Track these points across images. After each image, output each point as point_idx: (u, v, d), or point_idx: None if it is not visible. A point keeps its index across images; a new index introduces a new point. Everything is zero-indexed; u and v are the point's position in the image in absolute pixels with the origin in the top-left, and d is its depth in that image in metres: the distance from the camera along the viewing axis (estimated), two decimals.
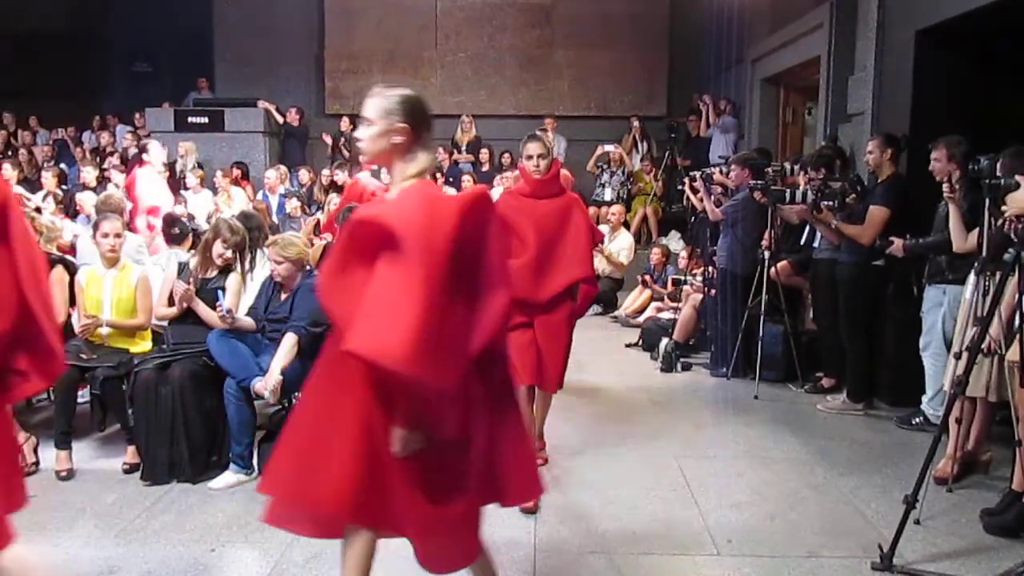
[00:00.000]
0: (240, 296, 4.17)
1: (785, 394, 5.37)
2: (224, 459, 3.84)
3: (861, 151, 5.44)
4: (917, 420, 4.48)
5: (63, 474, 3.82)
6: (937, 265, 4.28)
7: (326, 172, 9.22)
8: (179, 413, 3.79)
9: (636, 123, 10.46)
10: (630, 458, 4.14)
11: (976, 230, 3.67)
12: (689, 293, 6.53)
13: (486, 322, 2.02)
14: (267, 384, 3.68)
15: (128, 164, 9.50)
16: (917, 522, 3.27)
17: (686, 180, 7.29)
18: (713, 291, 5.98)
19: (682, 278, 6.95)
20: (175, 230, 5.30)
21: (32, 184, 8.42)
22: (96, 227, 4.32)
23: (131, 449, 3.92)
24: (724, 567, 3.04)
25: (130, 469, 3.88)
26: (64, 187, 8.33)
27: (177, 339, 4.05)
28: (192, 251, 4.78)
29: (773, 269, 5.38)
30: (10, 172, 7.66)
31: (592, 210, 8.56)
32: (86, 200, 7.12)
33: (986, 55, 4.80)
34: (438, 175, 9.27)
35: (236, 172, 9.35)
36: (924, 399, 4.44)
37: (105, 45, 13.22)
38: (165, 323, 4.23)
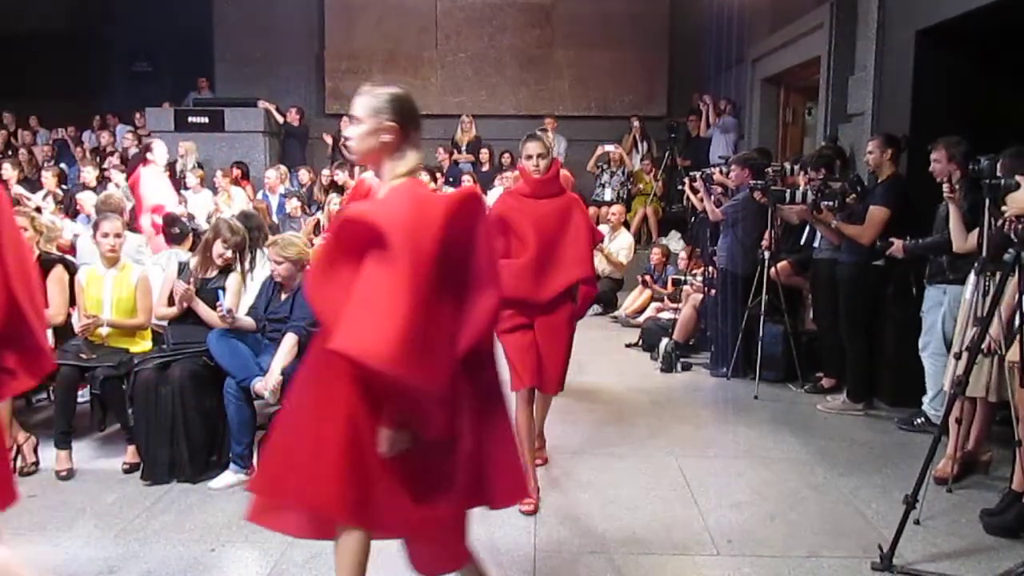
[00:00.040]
0: (240, 296, 4.17)
1: (785, 394, 5.37)
2: (224, 459, 3.84)
3: (861, 151, 5.44)
4: (919, 421, 4.47)
5: (63, 474, 3.82)
6: (938, 265, 4.28)
7: (326, 172, 9.22)
8: (179, 413, 3.79)
9: (636, 123, 10.46)
10: (630, 458, 4.14)
11: (976, 230, 3.66)
12: (689, 293, 6.53)
13: (474, 322, 2.01)
14: (267, 384, 3.68)
15: (128, 164, 9.50)
16: (917, 522, 3.27)
17: (686, 180, 7.29)
18: (713, 291, 5.98)
19: (682, 278, 6.95)
20: (175, 230, 5.30)
21: (32, 184, 8.43)
22: (96, 227, 4.32)
23: (131, 449, 3.92)
24: (724, 567, 3.04)
25: (130, 469, 3.88)
26: (64, 187, 8.35)
27: (177, 339, 4.05)
28: (192, 251, 4.78)
29: (773, 269, 5.38)
30: (10, 172, 7.69)
31: (592, 210, 8.57)
32: (86, 200, 7.14)
33: (986, 55, 4.80)
34: (438, 175, 9.28)
35: (236, 172, 9.35)
36: (925, 400, 4.44)
37: (105, 45, 13.23)
38: (165, 323, 4.23)
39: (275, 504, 2.10)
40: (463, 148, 10.59)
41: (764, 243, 5.37)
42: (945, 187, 3.99)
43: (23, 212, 4.42)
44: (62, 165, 9.77)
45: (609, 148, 10.05)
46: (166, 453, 3.77)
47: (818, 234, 5.27)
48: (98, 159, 9.91)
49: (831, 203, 4.89)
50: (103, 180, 8.41)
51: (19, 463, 3.90)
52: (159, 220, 6.34)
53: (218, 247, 4.14)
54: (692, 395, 5.42)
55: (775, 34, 8.17)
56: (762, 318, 5.33)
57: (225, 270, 4.18)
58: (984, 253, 3.41)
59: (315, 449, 1.98)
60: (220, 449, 3.89)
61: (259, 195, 9.06)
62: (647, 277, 7.75)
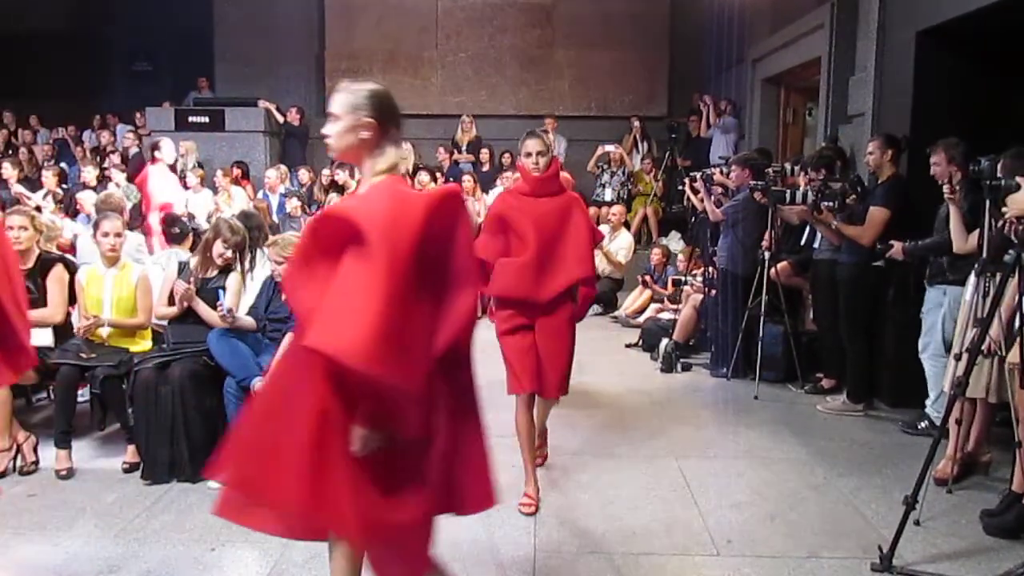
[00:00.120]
0: (240, 296, 4.17)
1: (785, 395, 5.37)
2: None
3: (862, 152, 5.44)
4: (923, 425, 4.45)
5: (63, 473, 3.83)
6: (938, 266, 4.28)
7: (326, 172, 9.22)
8: (179, 412, 3.79)
9: (636, 123, 10.45)
10: (630, 458, 4.14)
11: (976, 231, 3.66)
12: (689, 293, 6.53)
13: (452, 321, 1.99)
14: None
15: (128, 163, 9.50)
16: (917, 523, 3.27)
17: (686, 180, 7.30)
18: (713, 291, 5.98)
19: (682, 278, 6.95)
20: (175, 230, 5.31)
21: (32, 183, 8.42)
22: (96, 226, 4.33)
23: (131, 448, 3.93)
24: (724, 567, 3.04)
25: (130, 468, 3.88)
26: (64, 186, 8.34)
27: (177, 338, 4.05)
28: (192, 251, 4.78)
29: (773, 269, 5.38)
30: (10, 171, 7.69)
31: (592, 210, 8.56)
32: (86, 199, 7.13)
33: (987, 56, 4.79)
34: (438, 175, 9.28)
35: (236, 171, 9.35)
36: (928, 403, 4.43)
37: (105, 45, 13.24)
38: (165, 322, 4.23)
39: (240, 497, 2.04)
40: (463, 148, 10.59)
41: (764, 243, 5.37)
42: (946, 188, 3.99)
43: (23, 211, 4.41)
44: (62, 164, 9.77)
45: (609, 148, 10.05)
46: (166, 453, 3.77)
47: (818, 235, 5.27)
48: (98, 159, 9.90)
49: (831, 204, 4.89)
50: (103, 180, 8.40)
51: (19, 462, 3.91)
52: None
53: (218, 247, 4.14)
54: (692, 395, 5.42)
55: (775, 34, 8.17)
56: (762, 318, 5.33)
57: (225, 270, 4.18)
58: (984, 254, 3.41)
59: (282, 445, 1.93)
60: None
61: (259, 195, 9.06)
62: (647, 277, 7.75)
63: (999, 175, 3.35)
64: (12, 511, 3.49)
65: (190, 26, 11.99)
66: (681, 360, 6.05)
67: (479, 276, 2.09)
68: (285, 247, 3.93)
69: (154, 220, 6.84)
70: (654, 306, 7.39)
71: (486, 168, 10.13)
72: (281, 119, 10.64)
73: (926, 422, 4.44)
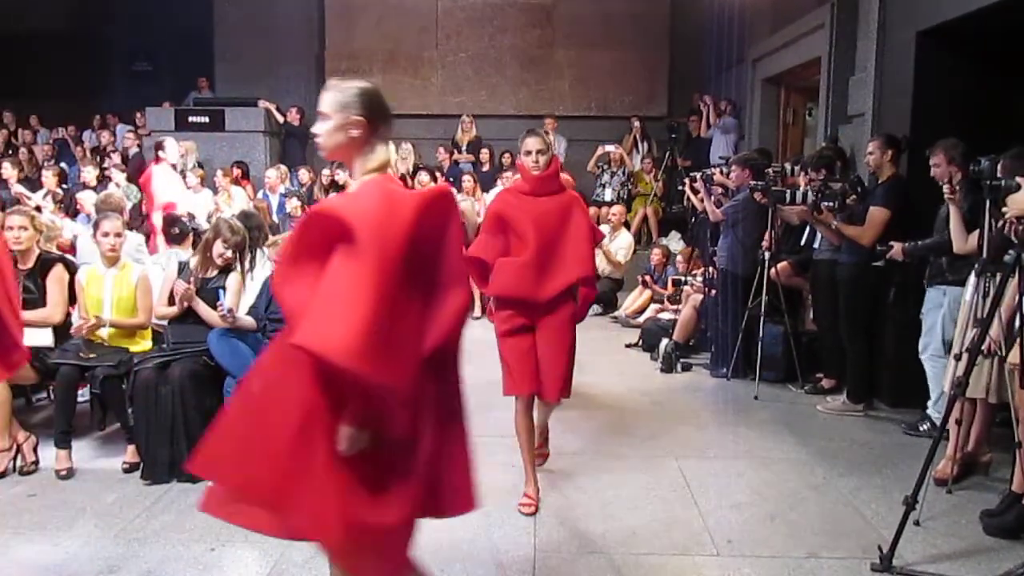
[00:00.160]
0: (240, 296, 4.17)
1: (785, 395, 5.37)
2: None
3: (862, 152, 5.44)
4: (925, 427, 4.44)
5: (63, 473, 3.83)
6: (937, 266, 4.28)
7: (326, 172, 9.21)
8: (179, 413, 3.79)
9: (636, 123, 10.45)
10: (630, 458, 4.14)
11: (976, 231, 3.66)
12: (689, 294, 6.53)
13: (441, 322, 1.97)
14: None
15: (128, 163, 9.51)
16: (917, 523, 3.27)
17: (686, 180, 7.30)
18: (713, 291, 5.98)
19: (682, 279, 6.95)
20: (175, 230, 5.30)
21: (32, 183, 8.42)
22: (96, 226, 4.33)
23: (131, 448, 3.93)
24: (724, 567, 3.04)
25: (130, 468, 3.88)
26: (64, 186, 8.34)
27: (177, 338, 4.05)
28: (193, 251, 4.78)
29: (773, 270, 5.38)
30: (10, 171, 7.69)
31: (592, 210, 8.56)
32: (86, 199, 7.13)
33: (987, 56, 4.79)
34: (438, 174, 9.28)
35: (236, 171, 9.35)
36: (929, 404, 4.43)
37: (105, 45, 13.24)
38: (165, 322, 4.23)
39: (224, 492, 2.02)
40: (463, 148, 10.60)
41: (764, 244, 5.37)
42: (946, 188, 3.99)
43: (23, 211, 4.41)
44: (62, 164, 9.77)
45: (609, 148, 10.05)
46: (166, 453, 3.77)
47: (818, 235, 5.27)
48: (98, 159, 9.91)
49: (831, 204, 4.89)
50: (103, 180, 8.41)
51: (19, 462, 3.91)
52: None
53: (218, 247, 4.15)
54: (692, 396, 5.42)
55: (776, 34, 8.16)
56: (762, 318, 5.33)
57: (225, 270, 4.18)
58: (984, 254, 3.41)
59: (265, 441, 1.91)
60: None
61: (259, 195, 9.06)
62: (647, 277, 7.75)
63: (999, 175, 3.35)
64: (12, 511, 3.49)
65: (190, 26, 11.98)
66: (681, 360, 6.05)
67: (469, 277, 2.06)
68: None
69: (158, 220, 6.84)
70: (654, 306, 7.39)
71: (486, 168, 10.13)
72: (281, 119, 10.64)
73: (928, 424, 4.43)
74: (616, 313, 7.93)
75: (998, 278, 3.21)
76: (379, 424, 1.91)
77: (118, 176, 8.25)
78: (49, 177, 7.89)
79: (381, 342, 1.78)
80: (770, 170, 5.85)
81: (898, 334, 4.83)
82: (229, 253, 4.15)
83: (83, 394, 4.26)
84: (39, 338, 4.14)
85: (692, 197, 7.28)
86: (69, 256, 5.06)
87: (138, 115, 11.10)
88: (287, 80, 11.54)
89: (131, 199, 7.64)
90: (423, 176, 8.91)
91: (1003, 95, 4.72)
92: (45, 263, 4.28)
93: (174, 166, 7.88)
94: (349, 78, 2.14)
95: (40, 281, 4.23)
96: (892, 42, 5.33)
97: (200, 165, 8.90)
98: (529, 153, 3.43)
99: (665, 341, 6.16)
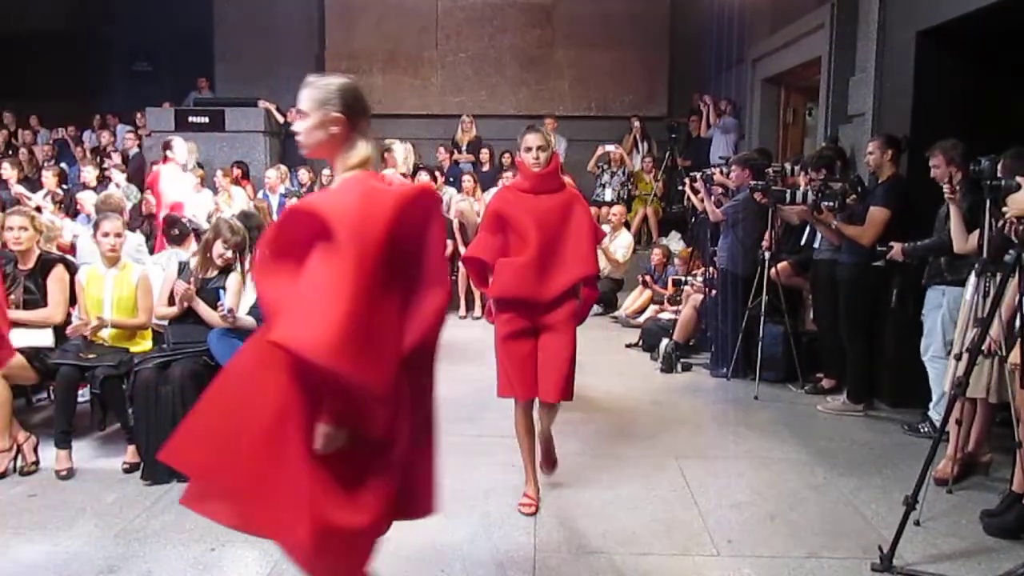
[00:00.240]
0: (241, 296, 4.17)
1: (785, 395, 5.37)
2: None
3: (862, 152, 5.44)
4: (925, 428, 4.44)
5: (63, 473, 3.83)
6: (936, 266, 4.28)
7: (326, 172, 9.20)
8: (179, 413, 3.77)
9: (636, 123, 10.45)
10: (630, 458, 4.14)
11: (976, 231, 3.66)
12: (689, 294, 6.53)
13: (419, 321, 1.95)
14: None
15: (128, 163, 9.51)
16: (917, 523, 3.27)
17: (686, 180, 7.30)
18: (713, 291, 5.98)
19: (682, 279, 6.95)
20: (175, 231, 5.30)
21: (32, 183, 8.42)
22: (96, 226, 4.33)
23: (131, 449, 3.93)
24: (724, 567, 3.04)
25: (130, 468, 3.88)
26: (64, 186, 8.34)
27: (177, 339, 4.05)
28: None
29: (773, 270, 5.38)
30: (10, 171, 7.69)
31: (592, 210, 8.53)
32: (86, 199, 7.13)
33: (986, 56, 4.79)
34: (438, 174, 9.28)
35: (236, 172, 9.35)
36: (931, 405, 4.43)
37: (105, 45, 13.23)
38: (165, 323, 4.23)
39: (199, 486, 2.01)
40: (463, 148, 10.60)
41: (764, 244, 5.37)
42: (946, 188, 4.00)
43: (23, 212, 4.41)
44: (62, 165, 9.77)
45: (609, 148, 10.05)
46: None
47: (818, 235, 5.27)
48: (98, 159, 9.91)
49: (831, 204, 4.89)
50: (103, 180, 8.41)
51: (19, 463, 3.91)
52: None
53: (218, 247, 4.15)
54: (692, 396, 5.42)
55: (776, 34, 8.17)
56: (762, 318, 5.33)
57: (225, 270, 4.18)
58: (984, 254, 3.41)
59: (239, 436, 1.89)
60: None
61: (259, 195, 9.06)
62: (647, 277, 7.75)
63: (999, 175, 3.35)
64: (12, 511, 3.49)
65: (190, 26, 11.99)
66: (681, 360, 6.05)
67: (450, 277, 2.03)
68: None
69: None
70: (654, 306, 7.39)
71: (486, 168, 10.13)
72: (281, 119, 10.64)
73: (928, 425, 4.43)
74: (616, 313, 7.93)
75: (998, 278, 3.21)
76: (356, 423, 1.89)
77: (118, 176, 8.25)
78: (49, 177, 7.88)
79: (359, 340, 1.77)
80: (770, 170, 5.86)
81: (898, 334, 4.83)
82: (229, 253, 4.15)
83: (83, 394, 4.26)
84: (40, 338, 4.15)
85: (692, 197, 7.28)
86: (69, 256, 5.06)
87: (138, 115, 11.10)
88: (287, 80, 11.50)
89: (131, 199, 7.64)
90: (423, 176, 8.90)
91: (1003, 95, 4.72)
92: (45, 263, 4.28)
93: (184, 166, 7.87)
94: (329, 74, 2.11)
95: (41, 281, 4.24)
96: (892, 42, 5.34)
97: (200, 165, 8.89)
98: (529, 150, 3.37)
99: (665, 341, 6.16)
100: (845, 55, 6.25)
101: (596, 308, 7.71)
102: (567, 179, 3.64)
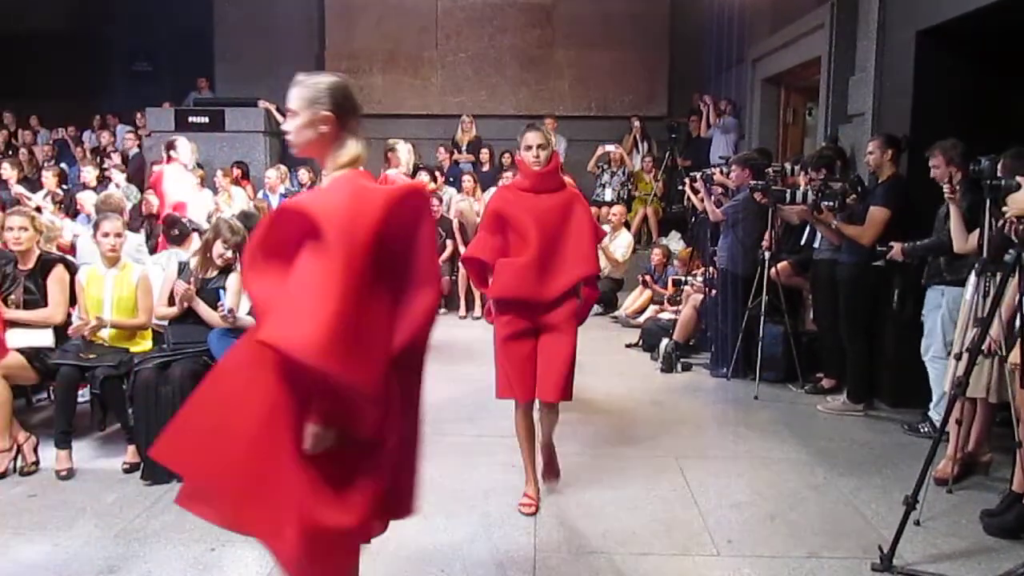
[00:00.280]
0: (241, 296, 4.17)
1: (785, 395, 5.37)
2: None
3: (862, 152, 5.44)
4: (925, 428, 4.44)
5: (63, 474, 3.83)
6: (935, 266, 4.28)
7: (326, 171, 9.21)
8: None
9: (636, 123, 10.45)
10: (630, 458, 4.14)
11: (976, 231, 3.66)
12: (689, 294, 6.53)
13: (409, 321, 1.94)
14: None
15: (128, 164, 9.51)
16: (917, 523, 3.27)
17: (686, 180, 7.30)
18: (713, 291, 5.98)
19: (682, 279, 6.95)
20: (175, 231, 5.30)
21: (32, 184, 8.42)
22: (96, 227, 4.33)
23: (131, 449, 3.93)
24: (724, 567, 3.04)
25: (130, 469, 3.88)
26: (64, 187, 8.34)
27: (177, 339, 4.05)
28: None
29: (773, 269, 5.38)
30: (10, 171, 7.69)
31: (592, 210, 8.53)
32: (86, 200, 7.14)
33: (987, 56, 4.79)
34: (438, 174, 9.28)
35: (236, 172, 9.35)
36: (931, 406, 4.42)
37: (105, 45, 13.23)
38: (165, 323, 4.23)
39: (190, 484, 2.00)
40: (463, 148, 10.60)
41: (764, 243, 5.37)
42: (946, 188, 4.00)
43: (23, 212, 4.41)
44: (62, 165, 9.77)
45: (609, 148, 10.04)
46: None
47: (818, 234, 5.27)
48: (98, 159, 9.91)
49: (831, 203, 4.89)
50: (103, 180, 8.41)
51: (19, 463, 3.91)
52: None
53: (218, 247, 4.14)
54: (692, 395, 5.42)
55: (775, 34, 8.17)
56: (762, 318, 5.33)
57: (225, 270, 4.18)
58: (984, 254, 3.41)
59: (229, 435, 1.88)
60: None
61: (259, 195, 9.06)
62: (647, 277, 7.75)
63: (999, 175, 3.35)
64: (12, 511, 3.49)
65: (190, 26, 11.99)
66: (681, 360, 6.05)
67: (439, 276, 2.02)
68: None
69: None
70: (654, 306, 7.39)
71: (486, 168, 10.13)
72: (281, 119, 10.57)
73: (928, 426, 4.43)
74: (616, 313, 7.93)
75: (998, 278, 3.21)
76: (346, 423, 1.88)
77: (118, 176, 8.25)
78: (49, 178, 7.89)
79: (348, 339, 1.76)
80: (770, 170, 5.86)
81: (898, 334, 4.83)
82: (229, 253, 4.15)
83: (83, 394, 4.26)
84: (40, 338, 4.14)
85: (692, 197, 7.28)
86: (69, 256, 5.06)
87: (138, 115, 11.10)
88: (287, 80, 11.10)
89: (131, 199, 7.64)
90: (423, 176, 8.91)
91: (1002, 95, 4.72)
92: (46, 264, 4.28)
93: (185, 166, 7.87)
94: (319, 73, 2.11)
95: (41, 282, 4.24)
96: (892, 42, 5.34)
97: (200, 165, 8.89)
98: (529, 148, 3.34)
99: (665, 341, 6.16)
100: (845, 55, 6.25)
101: (596, 308, 7.70)
102: (567, 178, 3.61)
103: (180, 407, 3.76)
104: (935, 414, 4.37)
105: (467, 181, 9.10)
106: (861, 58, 5.94)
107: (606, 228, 7.56)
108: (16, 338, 4.08)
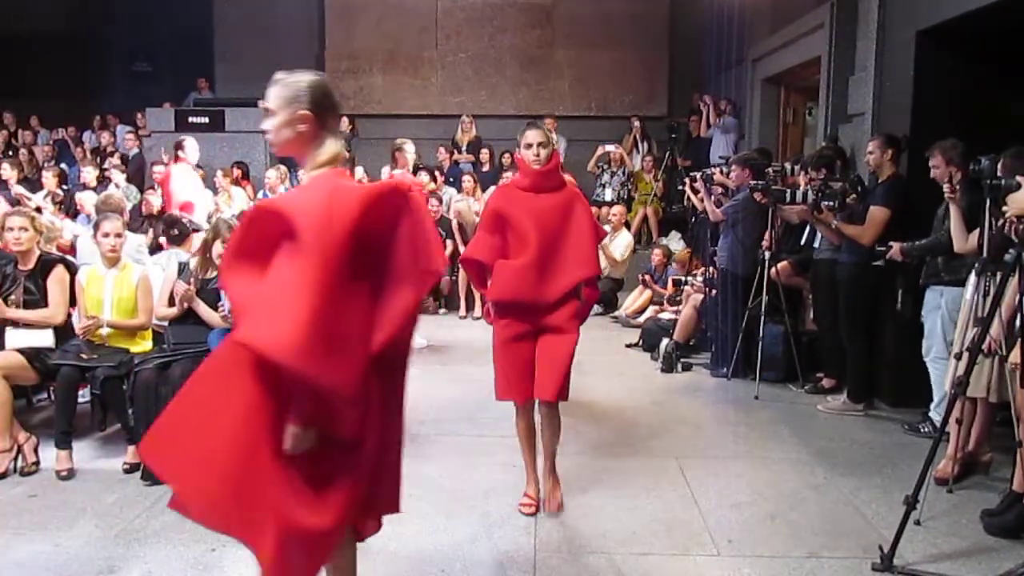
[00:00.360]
0: None
1: (785, 394, 5.37)
2: None
3: (862, 152, 5.44)
4: (926, 429, 4.44)
5: (63, 474, 3.83)
6: (934, 266, 4.28)
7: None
8: None
9: (636, 123, 10.45)
10: (630, 458, 4.14)
11: (976, 231, 3.66)
12: (690, 294, 6.53)
13: (389, 320, 1.93)
14: None
15: (128, 164, 9.51)
16: (917, 523, 3.27)
17: (686, 180, 7.30)
18: (714, 291, 5.98)
19: (682, 279, 6.95)
20: (175, 232, 5.30)
21: (32, 184, 8.42)
22: (97, 227, 4.33)
23: (131, 449, 3.92)
24: (724, 567, 3.04)
25: (130, 469, 3.88)
26: (64, 187, 8.34)
27: (178, 339, 4.06)
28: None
29: (773, 269, 5.38)
30: (10, 172, 7.69)
31: (592, 210, 8.52)
32: (86, 200, 7.14)
33: (986, 56, 4.79)
34: (438, 174, 9.28)
35: (236, 172, 9.34)
36: (932, 406, 4.42)
37: (105, 45, 13.24)
38: (165, 323, 4.23)
39: (175, 487, 1.97)
40: (463, 148, 10.60)
41: (764, 243, 5.37)
42: (946, 187, 4.00)
43: (23, 212, 4.42)
44: (62, 165, 9.77)
45: (609, 148, 10.05)
46: None
47: (818, 234, 5.27)
48: (98, 159, 9.91)
49: (831, 203, 4.89)
50: (103, 180, 8.41)
51: (20, 463, 3.91)
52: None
53: (218, 247, 4.14)
54: (692, 395, 5.42)
55: (775, 34, 8.17)
56: (762, 318, 5.33)
57: None
58: (984, 254, 3.41)
59: (208, 437, 1.87)
60: None
61: (259, 195, 9.05)
62: (647, 277, 7.76)
63: (999, 174, 3.35)
64: (12, 511, 3.49)
65: (190, 26, 11.99)
66: (681, 360, 6.05)
67: (421, 275, 1.98)
68: None
69: None
70: (654, 307, 7.39)
71: (486, 168, 10.13)
72: None
73: (928, 426, 4.43)
74: (616, 313, 7.93)
75: (998, 277, 3.21)
76: (325, 423, 1.88)
77: (118, 177, 8.25)
78: (49, 178, 7.89)
79: (325, 339, 1.76)
80: (770, 170, 5.86)
81: (898, 334, 4.83)
82: None
83: (84, 395, 4.26)
84: (40, 339, 4.14)
85: (692, 197, 7.28)
86: (69, 257, 5.06)
87: (138, 116, 11.09)
88: None
89: (131, 200, 7.64)
90: (423, 176, 8.91)
91: (1002, 95, 4.72)
92: (46, 264, 4.28)
93: (195, 166, 7.86)
94: (298, 71, 2.09)
95: (41, 282, 4.23)
96: (892, 42, 5.34)
97: (200, 166, 8.88)
98: (530, 146, 3.29)
99: (665, 341, 6.16)
100: (845, 55, 6.25)
101: (596, 308, 7.71)
102: (568, 177, 3.58)
103: None
104: (936, 415, 4.36)
105: (467, 181, 9.10)
106: (861, 58, 5.94)
107: (606, 228, 7.57)
108: (16, 338, 4.09)
